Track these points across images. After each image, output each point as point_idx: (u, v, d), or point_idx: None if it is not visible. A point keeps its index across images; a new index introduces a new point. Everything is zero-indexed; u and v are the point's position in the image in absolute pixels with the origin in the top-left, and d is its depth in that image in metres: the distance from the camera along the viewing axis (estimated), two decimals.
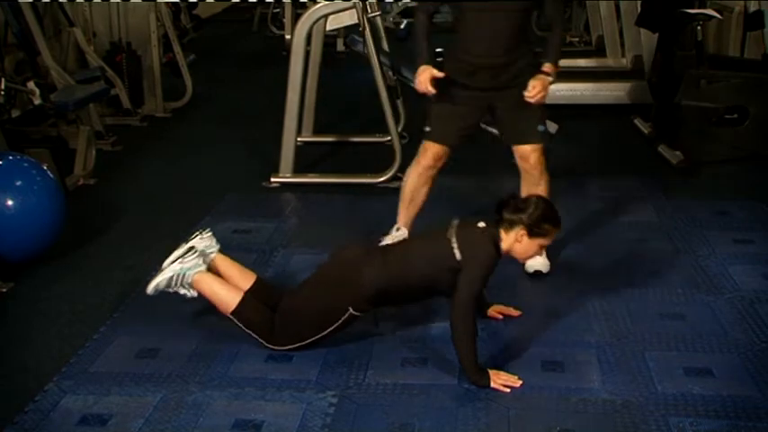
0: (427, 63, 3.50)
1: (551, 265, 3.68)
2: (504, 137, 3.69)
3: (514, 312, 3.30)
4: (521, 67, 3.48)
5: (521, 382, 2.84)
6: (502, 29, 3.43)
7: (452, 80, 3.51)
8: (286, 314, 3.04)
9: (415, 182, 3.75)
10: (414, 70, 3.54)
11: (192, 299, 3.17)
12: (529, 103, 3.44)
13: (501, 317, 3.27)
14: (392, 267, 2.99)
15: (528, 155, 3.56)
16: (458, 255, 2.90)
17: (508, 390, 2.81)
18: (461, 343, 2.84)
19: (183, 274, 3.10)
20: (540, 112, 3.55)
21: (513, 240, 2.95)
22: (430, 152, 3.66)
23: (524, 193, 3.54)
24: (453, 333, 2.85)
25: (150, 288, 3.14)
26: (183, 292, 3.13)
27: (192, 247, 3.18)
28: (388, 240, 3.75)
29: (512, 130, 3.60)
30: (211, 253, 3.23)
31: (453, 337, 2.86)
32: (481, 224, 2.99)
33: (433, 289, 3.03)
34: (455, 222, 3.03)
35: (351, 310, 2.97)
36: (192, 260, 3.13)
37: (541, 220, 2.95)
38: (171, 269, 3.12)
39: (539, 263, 3.60)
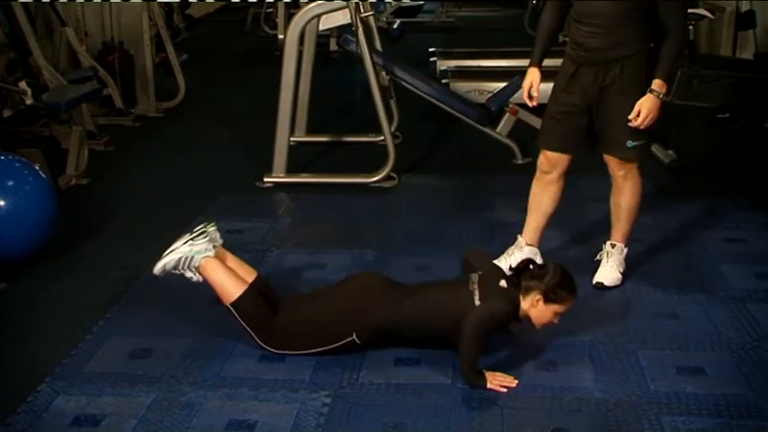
0: (534, 66, 3.45)
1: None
2: (597, 144, 3.45)
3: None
4: (625, 70, 3.24)
5: (516, 381, 2.85)
6: (606, 16, 3.19)
7: (560, 80, 3.40)
8: (291, 321, 3.03)
9: (533, 188, 3.62)
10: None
11: (186, 298, 3.16)
12: (620, 114, 3.25)
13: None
14: (408, 307, 2.98)
15: (608, 160, 3.44)
16: (477, 303, 2.92)
17: (505, 390, 2.81)
18: (468, 350, 2.83)
19: (192, 257, 3.08)
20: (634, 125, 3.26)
21: (530, 305, 2.95)
22: (542, 158, 3.52)
23: (612, 197, 3.53)
24: (463, 340, 2.82)
25: (158, 267, 3.11)
26: (189, 275, 3.10)
27: (203, 231, 3.16)
28: (507, 254, 3.65)
29: (602, 137, 3.40)
30: (217, 245, 3.21)
31: (461, 343, 2.83)
32: (503, 283, 2.99)
33: (443, 339, 2.97)
34: (476, 276, 3.03)
35: (355, 337, 2.97)
36: (202, 243, 3.12)
37: (557, 287, 2.94)
38: (180, 250, 3.10)
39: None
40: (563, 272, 2.99)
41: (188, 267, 3.09)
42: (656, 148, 5.32)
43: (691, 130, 5.13)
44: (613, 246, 3.59)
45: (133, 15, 6.54)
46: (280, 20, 8.88)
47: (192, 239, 3.12)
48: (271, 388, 2.85)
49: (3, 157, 3.95)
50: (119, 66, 6.42)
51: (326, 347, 3.00)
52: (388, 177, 4.94)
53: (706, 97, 5.10)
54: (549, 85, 3.41)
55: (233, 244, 4.07)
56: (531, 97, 3.50)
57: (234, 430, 2.64)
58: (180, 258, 3.09)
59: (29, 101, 5.04)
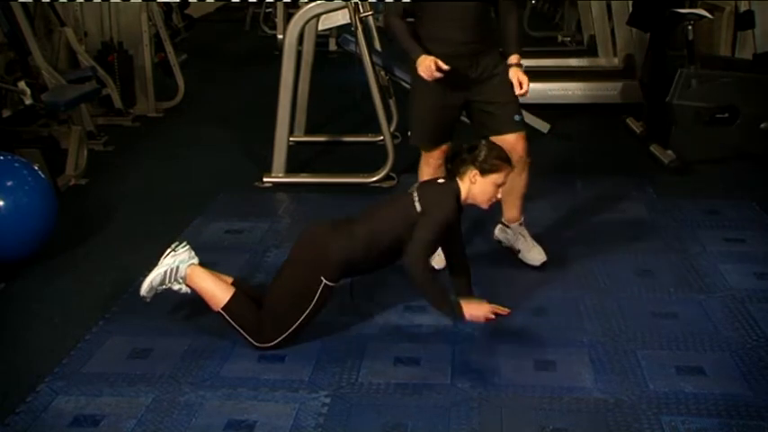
0: (423, 53, 3.45)
1: (544, 263, 3.70)
2: (483, 130, 3.56)
3: (504, 311, 3.29)
4: (492, 60, 3.48)
5: (509, 311, 2.96)
6: (468, 15, 3.41)
7: (424, 81, 3.42)
8: (268, 302, 3.07)
9: (425, 176, 3.68)
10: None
11: (183, 300, 3.17)
12: (504, 95, 3.47)
13: (493, 316, 3.27)
14: (359, 234, 3.04)
15: (514, 144, 3.51)
16: (418, 207, 3.00)
17: (493, 317, 2.92)
18: (422, 289, 2.94)
19: (177, 267, 3.10)
20: (516, 101, 3.53)
21: (469, 184, 3.06)
22: (436, 152, 3.61)
23: (507, 183, 3.51)
24: (412, 281, 2.94)
25: (144, 287, 3.13)
26: (176, 287, 3.13)
27: (182, 242, 3.19)
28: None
29: (492, 122, 3.54)
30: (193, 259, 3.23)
31: (415, 285, 2.94)
32: (441, 180, 3.13)
33: (400, 249, 3.04)
34: (417, 183, 3.15)
35: (324, 280, 3.00)
36: (184, 252, 3.14)
37: (489, 156, 3.04)
38: (165, 263, 3.12)
39: (536, 257, 3.69)
40: (494, 143, 3.14)
41: (174, 279, 3.11)
42: (655, 148, 5.33)
43: (690, 131, 5.13)
44: (521, 224, 3.75)
45: (132, 15, 6.54)
46: (279, 20, 8.89)
47: (173, 250, 3.15)
48: (270, 388, 2.85)
49: (2, 158, 3.95)
50: (118, 66, 6.42)
51: (309, 308, 3.02)
52: (387, 177, 4.94)
53: (705, 97, 5.10)
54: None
55: (232, 244, 4.09)
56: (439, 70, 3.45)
57: (233, 430, 2.64)
58: (165, 272, 3.11)
59: (28, 101, 5.04)
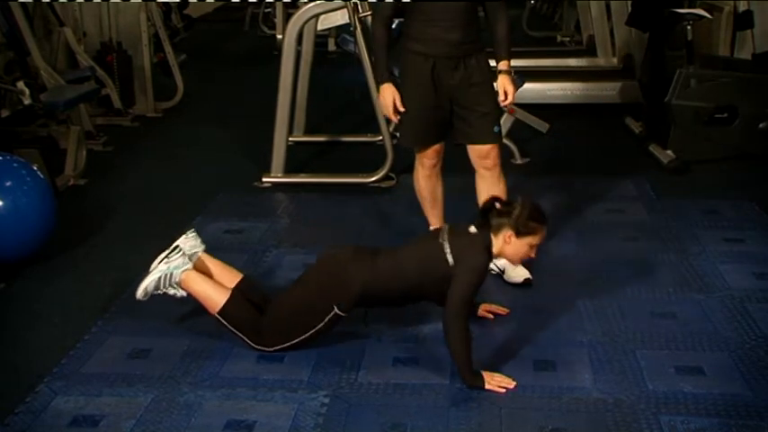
0: (388, 81, 3.47)
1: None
2: (460, 136, 3.54)
3: (503, 310, 3.31)
4: (479, 63, 3.44)
5: (515, 383, 2.84)
6: (458, 16, 3.38)
7: (417, 78, 3.45)
8: (274, 313, 3.05)
9: (426, 183, 3.69)
10: (381, 82, 3.52)
11: (183, 300, 3.17)
12: (486, 105, 3.44)
13: (492, 316, 3.28)
14: (381, 270, 2.99)
15: (486, 154, 3.52)
16: (450, 260, 2.91)
17: (503, 390, 2.81)
18: (454, 345, 2.84)
19: (171, 274, 3.10)
20: (498, 112, 3.53)
21: (502, 242, 2.96)
22: (430, 152, 3.59)
23: (484, 193, 3.47)
24: (446, 336, 2.85)
25: (140, 291, 3.13)
26: (172, 292, 3.13)
27: (176, 246, 3.18)
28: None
29: (470, 130, 3.49)
30: (197, 252, 3.23)
31: (446, 340, 2.86)
32: (472, 229, 3.00)
33: (421, 295, 3.04)
34: (446, 227, 3.05)
35: (336, 309, 2.97)
36: (177, 259, 3.13)
37: (527, 218, 2.95)
38: (158, 270, 3.12)
39: (519, 273, 3.56)
40: (531, 204, 3.00)
41: (169, 285, 3.11)
42: (654, 148, 5.33)
43: (689, 130, 5.13)
44: None
45: (131, 15, 6.54)
46: (278, 20, 8.89)
47: (166, 257, 3.14)
48: (269, 388, 2.85)
49: (1, 158, 3.95)
50: (117, 66, 6.43)
51: (314, 329, 2.99)
52: (386, 177, 4.94)
53: (704, 97, 5.11)
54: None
55: (231, 244, 4.09)
56: (396, 112, 3.49)
57: (232, 430, 2.64)
58: (159, 278, 3.11)
59: (27, 101, 5.04)
